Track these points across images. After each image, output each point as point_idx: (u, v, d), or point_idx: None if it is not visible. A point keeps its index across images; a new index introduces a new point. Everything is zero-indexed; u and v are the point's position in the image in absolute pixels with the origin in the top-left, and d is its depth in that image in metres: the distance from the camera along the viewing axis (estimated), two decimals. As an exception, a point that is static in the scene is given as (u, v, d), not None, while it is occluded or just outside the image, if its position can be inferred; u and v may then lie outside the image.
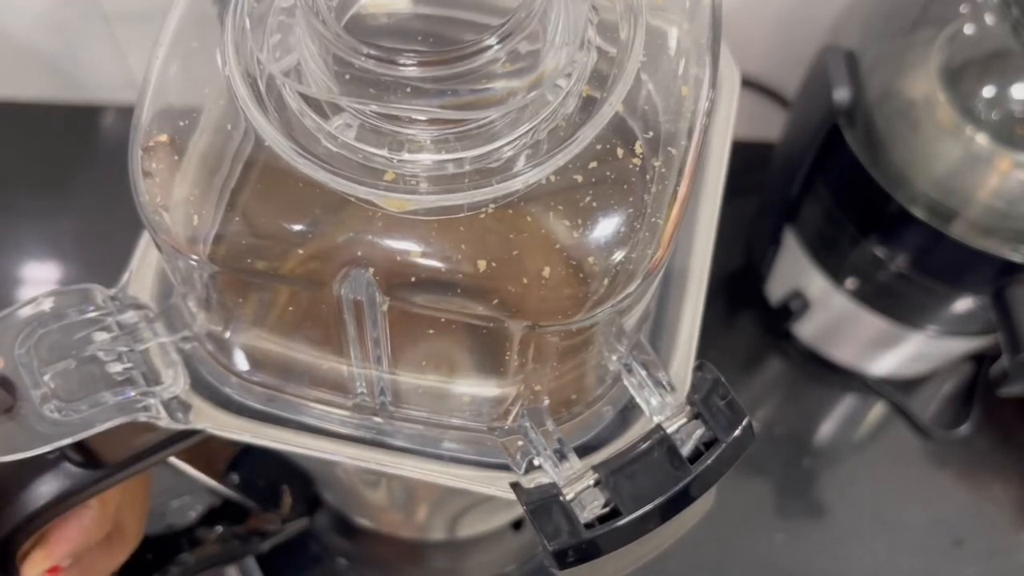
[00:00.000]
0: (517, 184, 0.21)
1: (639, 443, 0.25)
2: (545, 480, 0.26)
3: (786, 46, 0.57)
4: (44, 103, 0.65)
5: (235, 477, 0.41)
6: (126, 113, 0.62)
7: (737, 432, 0.25)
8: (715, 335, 0.60)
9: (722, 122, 0.32)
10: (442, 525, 0.48)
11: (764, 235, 0.56)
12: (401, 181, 0.21)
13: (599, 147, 0.22)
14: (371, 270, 0.22)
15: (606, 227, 0.22)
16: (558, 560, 0.25)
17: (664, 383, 0.26)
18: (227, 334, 0.27)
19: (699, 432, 0.25)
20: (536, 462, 0.26)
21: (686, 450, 0.25)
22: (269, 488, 0.43)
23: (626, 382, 0.27)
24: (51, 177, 0.63)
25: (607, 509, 0.25)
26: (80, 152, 0.64)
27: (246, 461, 0.40)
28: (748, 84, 0.60)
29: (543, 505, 0.25)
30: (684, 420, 0.26)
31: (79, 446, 0.28)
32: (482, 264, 0.22)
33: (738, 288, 0.61)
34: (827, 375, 0.59)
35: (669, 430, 0.25)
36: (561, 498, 0.25)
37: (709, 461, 0.25)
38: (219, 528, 0.44)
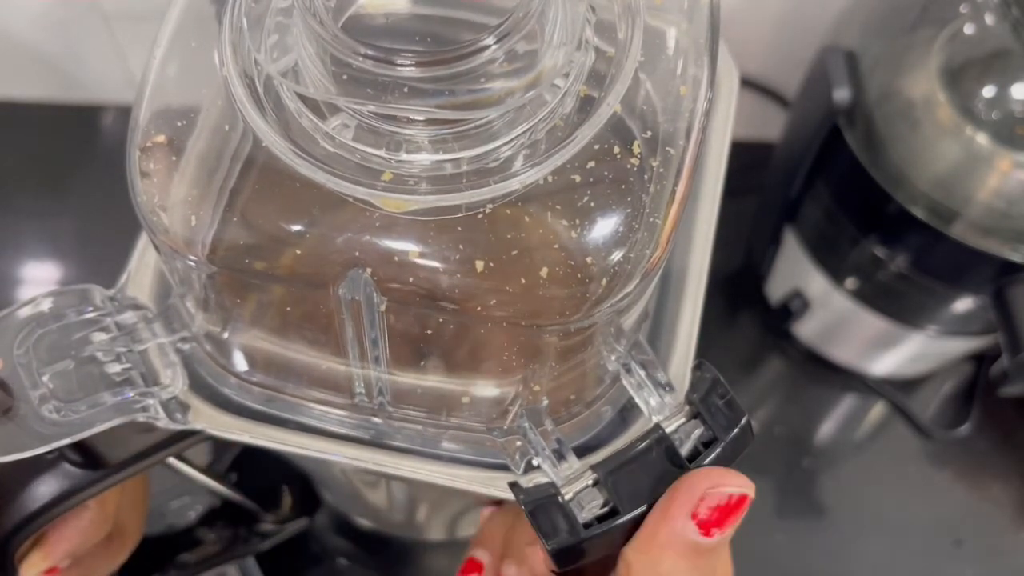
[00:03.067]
0: (515, 184, 0.21)
1: (637, 442, 0.25)
2: (544, 480, 0.26)
3: (786, 46, 0.57)
4: (44, 103, 0.65)
5: (235, 477, 0.41)
6: (126, 113, 0.62)
7: (736, 431, 0.25)
8: (715, 335, 0.60)
9: (721, 122, 0.32)
10: (442, 525, 0.48)
11: (764, 235, 0.56)
12: (399, 181, 0.21)
13: (597, 147, 0.22)
14: (369, 270, 0.22)
15: (604, 227, 0.22)
16: (557, 560, 0.25)
17: (663, 383, 0.26)
18: (225, 334, 0.27)
19: (698, 432, 0.25)
20: (535, 462, 0.26)
21: (685, 450, 0.25)
22: (269, 488, 0.43)
23: (625, 382, 0.27)
24: (51, 177, 0.63)
25: (606, 509, 0.25)
26: (80, 152, 0.64)
27: (246, 462, 0.40)
28: (748, 84, 0.60)
29: (542, 505, 0.25)
30: (683, 420, 0.26)
31: (78, 447, 0.28)
32: (480, 264, 0.21)
33: (738, 288, 0.61)
34: (827, 375, 0.59)
35: (668, 430, 0.25)
36: (560, 498, 0.25)
37: (707, 460, 0.25)
38: (219, 528, 0.44)
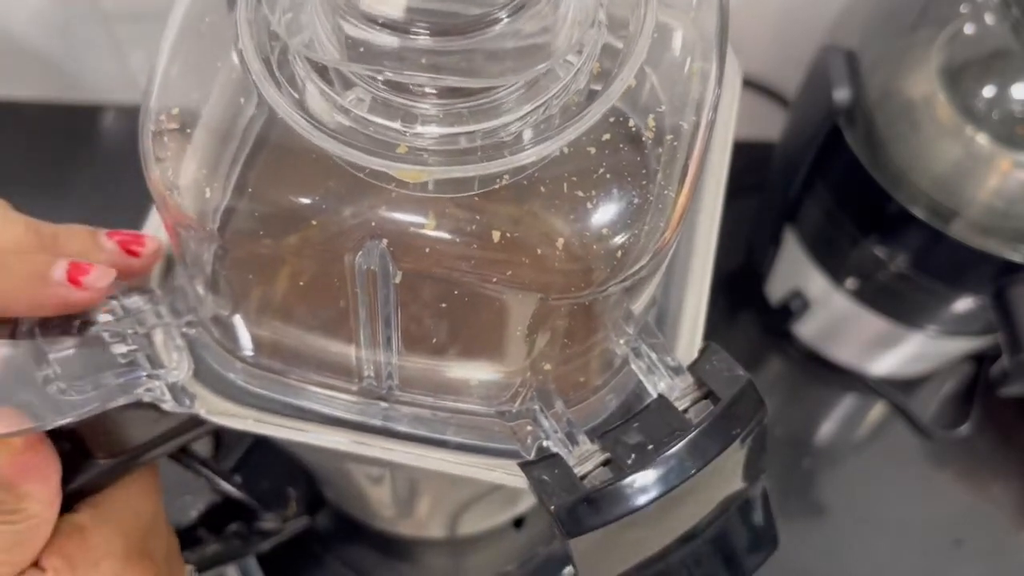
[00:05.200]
0: (530, 157, 0.21)
1: (639, 412, 0.25)
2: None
3: (786, 46, 0.58)
4: (44, 103, 0.65)
5: (239, 477, 0.40)
6: (126, 113, 0.62)
7: (736, 390, 0.24)
8: (715, 335, 0.59)
9: (723, 121, 0.32)
10: (443, 523, 0.47)
11: (764, 235, 0.56)
12: (414, 154, 0.21)
13: (611, 121, 0.22)
14: (384, 241, 0.22)
15: (619, 199, 0.22)
16: (562, 523, 0.23)
17: (673, 366, 0.26)
18: (234, 316, 0.27)
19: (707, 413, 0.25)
20: (545, 445, 0.26)
21: (689, 414, 0.24)
22: (273, 488, 0.43)
23: (634, 366, 0.27)
24: (51, 177, 0.63)
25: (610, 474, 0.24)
26: (80, 152, 0.63)
27: (251, 460, 0.40)
28: (748, 84, 0.60)
29: (542, 467, 0.24)
30: (690, 403, 0.26)
31: (83, 437, 0.28)
32: (496, 235, 0.22)
33: (738, 288, 0.61)
34: (827, 375, 0.59)
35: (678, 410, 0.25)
36: (559, 459, 0.24)
37: (709, 418, 0.24)
38: (220, 528, 0.44)
